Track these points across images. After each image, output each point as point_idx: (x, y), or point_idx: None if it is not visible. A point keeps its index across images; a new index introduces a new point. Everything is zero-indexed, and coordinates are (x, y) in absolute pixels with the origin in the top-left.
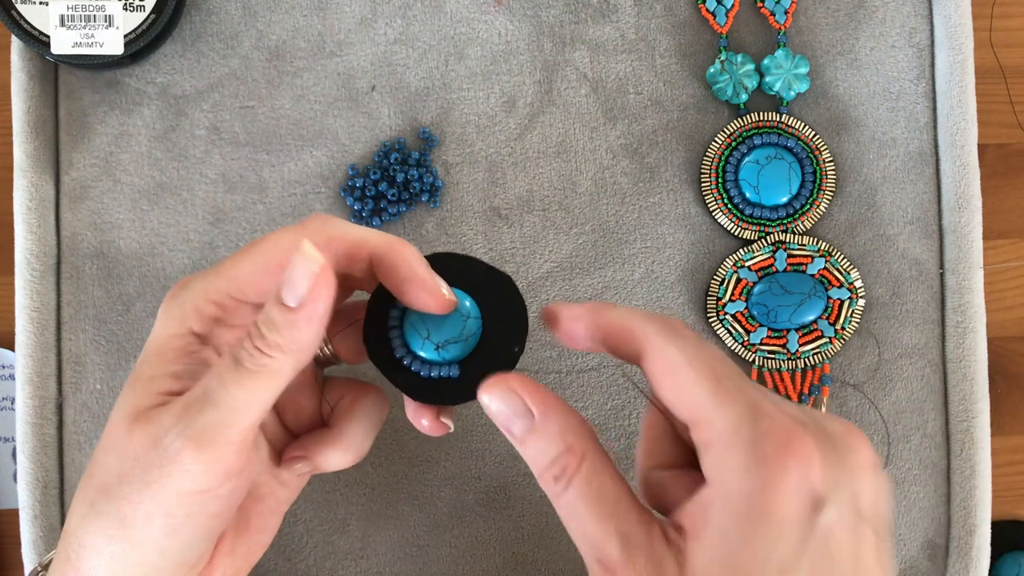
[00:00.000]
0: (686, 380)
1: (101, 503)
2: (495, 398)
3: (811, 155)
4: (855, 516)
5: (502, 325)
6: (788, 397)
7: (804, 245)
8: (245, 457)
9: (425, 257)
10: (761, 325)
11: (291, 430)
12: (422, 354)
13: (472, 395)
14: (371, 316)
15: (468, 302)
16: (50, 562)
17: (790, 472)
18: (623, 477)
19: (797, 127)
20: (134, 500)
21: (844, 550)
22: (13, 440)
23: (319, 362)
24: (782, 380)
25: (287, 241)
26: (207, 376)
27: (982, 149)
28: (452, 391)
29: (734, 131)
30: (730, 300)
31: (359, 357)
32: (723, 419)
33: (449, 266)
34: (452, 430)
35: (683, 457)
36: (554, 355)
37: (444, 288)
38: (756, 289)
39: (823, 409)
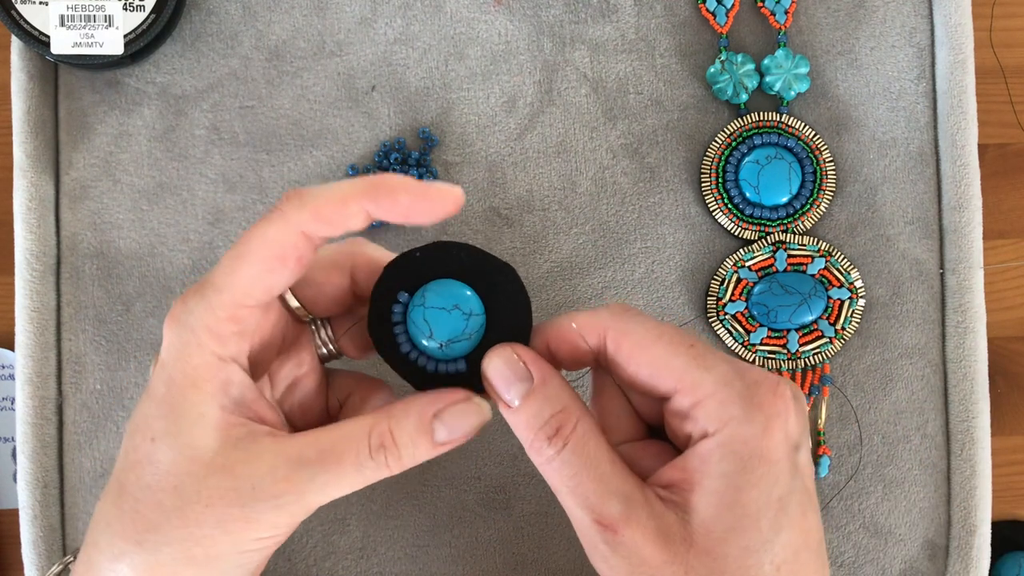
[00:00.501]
0: (662, 352)
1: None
2: (497, 360)
3: (811, 155)
4: (809, 459)
5: (506, 318)
6: None
7: (804, 245)
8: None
9: (423, 247)
10: (761, 325)
11: (299, 430)
12: (428, 345)
13: (481, 388)
14: (375, 310)
15: (468, 291)
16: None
17: (779, 417)
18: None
19: (797, 127)
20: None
21: (811, 487)
22: (13, 440)
23: (322, 359)
24: None
25: (273, 233)
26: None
27: (982, 149)
28: (461, 385)
29: (734, 131)
30: (730, 300)
31: (363, 353)
32: (712, 378)
33: (448, 256)
34: None
35: (641, 431)
36: None
37: (444, 187)
38: (756, 289)
39: (823, 410)
